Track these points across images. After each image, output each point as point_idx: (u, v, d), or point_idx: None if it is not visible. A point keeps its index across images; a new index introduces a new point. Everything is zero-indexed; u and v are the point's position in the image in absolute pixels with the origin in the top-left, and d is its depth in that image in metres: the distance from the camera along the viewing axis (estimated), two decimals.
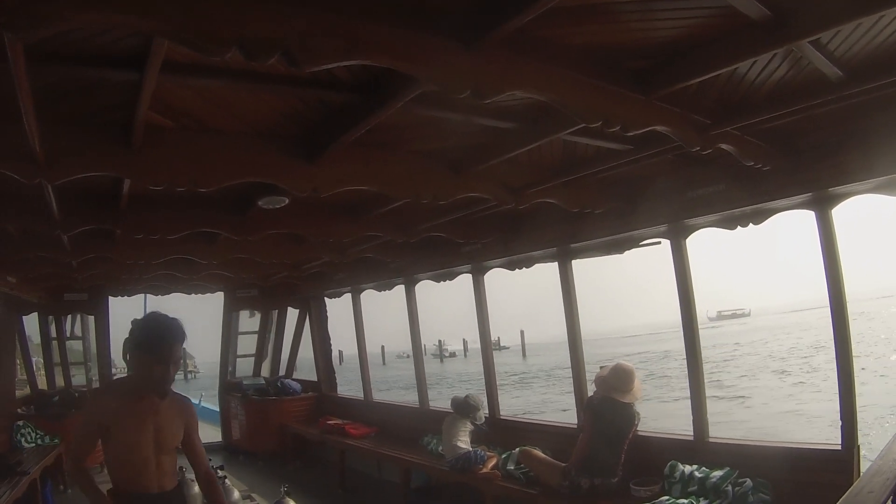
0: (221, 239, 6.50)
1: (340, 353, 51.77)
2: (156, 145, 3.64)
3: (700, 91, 3.44)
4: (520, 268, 7.37)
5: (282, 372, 12.64)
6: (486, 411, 7.30)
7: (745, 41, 2.87)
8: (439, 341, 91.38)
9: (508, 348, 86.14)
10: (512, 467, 6.34)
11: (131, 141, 3.49)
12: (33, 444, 8.94)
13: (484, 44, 2.61)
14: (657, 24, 2.93)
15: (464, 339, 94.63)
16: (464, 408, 7.06)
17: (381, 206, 5.71)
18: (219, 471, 6.37)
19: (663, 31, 2.97)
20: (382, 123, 3.62)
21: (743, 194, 4.71)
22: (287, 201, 4.96)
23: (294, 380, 12.02)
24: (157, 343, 3.31)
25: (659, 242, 5.71)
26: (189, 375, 61.17)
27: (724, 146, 3.79)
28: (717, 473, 4.84)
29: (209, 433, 13.40)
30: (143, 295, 13.28)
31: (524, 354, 74.44)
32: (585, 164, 4.69)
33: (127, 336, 3.42)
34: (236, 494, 5.93)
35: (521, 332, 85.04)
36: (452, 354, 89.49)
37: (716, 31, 2.92)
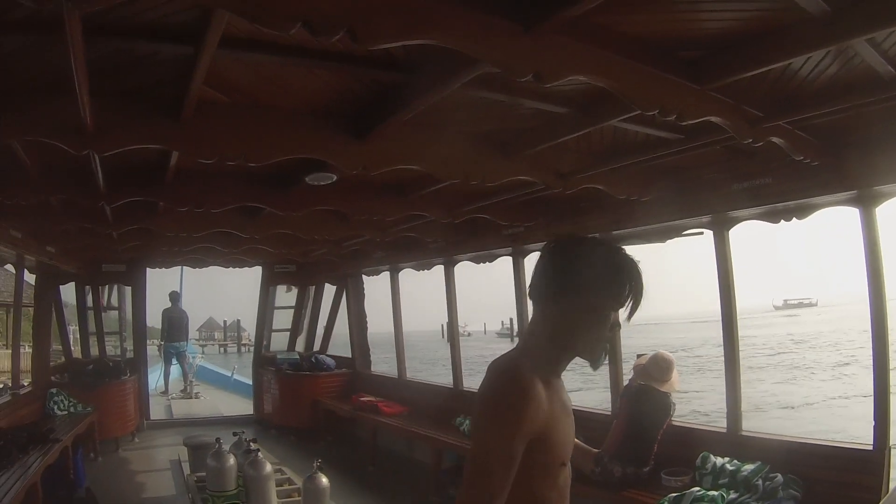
0: (265, 214, 6.46)
1: None
2: (206, 119, 3.60)
3: (752, 84, 3.32)
4: None
5: (316, 347, 12.66)
6: None
7: (803, 36, 2.79)
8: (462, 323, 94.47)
9: None
10: None
11: (181, 114, 3.43)
12: (66, 412, 9.04)
13: (543, 28, 2.55)
14: (712, 14, 2.86)
15: (484, 323, 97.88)
16: None
17: (426, 187, 5.65)
18: (251, 444, 6.41)
19: (718, 21, 2.90)
20: (434, 104, 3.52)
21: (789, 189, 4.60)
22: (335, 178, 4.90)
23: (328, 356, 12.01)
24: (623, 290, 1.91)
25: (701, 233, 5.62)
26: (243, 349, 62.05)
27: (774, 139, 3.71)
28: (749, 467, 4.76)
29: (241, 406, 13.56)
30: (179, 267, 13.45)
31: None
32: (634, 151, 4.59)
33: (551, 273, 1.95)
34: (269, 467, 5.90)
35: None
36: (469, 335, 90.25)
37: (772, 24, 2.83)
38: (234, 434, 6.79)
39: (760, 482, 4.62)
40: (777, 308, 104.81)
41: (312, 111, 3.90)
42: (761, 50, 2.92)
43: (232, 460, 5.99)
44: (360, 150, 3.99)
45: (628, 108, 3.41)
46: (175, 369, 15.68)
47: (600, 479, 5.32)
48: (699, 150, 4.43)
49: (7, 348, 24.46)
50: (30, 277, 9.42)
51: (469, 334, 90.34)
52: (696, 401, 21.99)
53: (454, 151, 4.42)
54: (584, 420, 6.42)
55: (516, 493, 1.76)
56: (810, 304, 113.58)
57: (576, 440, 4.67)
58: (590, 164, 4.81)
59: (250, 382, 13.74)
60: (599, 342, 1.92)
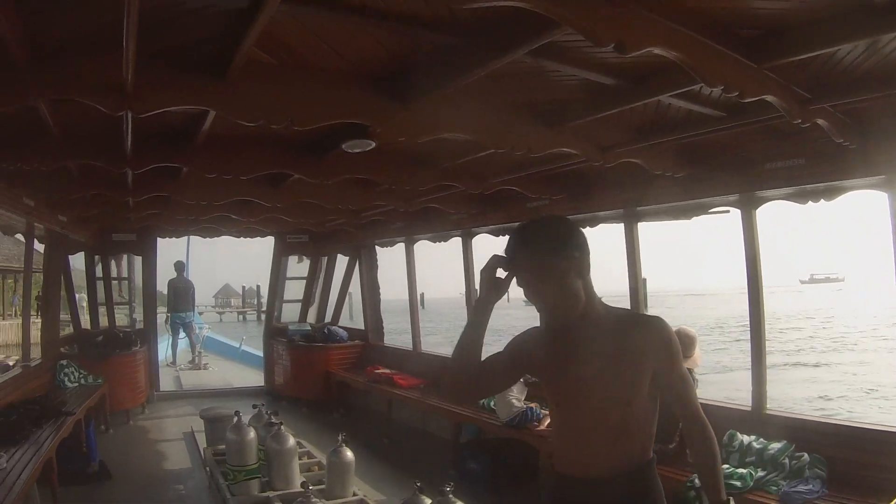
0: (288, 182, 6.34)
1: (422, 295, 52.63)
2: (252, 80, 3.42)
3: (800, 65, 3.32)
4: (583, 227, 7.06)
5: (327, 319, 12.56)
6: None
7: (865, 21, 2.78)
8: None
9: None
10: None
11: (227, 74, 3.26)
12: (76, 384, 8.93)
13: None
14: None
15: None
16: None
17: (458, 157, 5.55)
18: (272, 417, 6.31)
19: (780, 1, 2.84)
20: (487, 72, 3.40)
21: (821, 170, 4.63)
22: (373, 145, 4.74)
23: (340, 327, 11.90)
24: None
25: (727, 211, 5.60)
26: (262, 316, 61.26)
27: (819, 121, 3.74)
28: (776, 446, 4.78)
29: (251, 377, 13.47)
30: (186, 238, 13.28)
31: None
32: (674, 127, 4.57)
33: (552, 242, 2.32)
34: (291, 441, 5.81)
35: None
36: None
37: (834, 7, 2.81)
38: (254, 406, 6.70)
39: (787, 461, 4.67)
40: (803, 283, 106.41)
41: (361, 75, 3.73)
42: (821, 32, 2.91)
43: (252, 434, 5.90)
44: (406, 116, 3.86)
45: (679, 83, 3.46)
46: (182, 341, 15.59)
47: None
48: (738, 129, 4.43)
49: (4, 319, 24.39)
50: (38, 247, 9.23)
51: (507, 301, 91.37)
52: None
53: (500, 120, 4.31)
54: None
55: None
56: (837, 279, 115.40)
57: None
58: (631, 138, 4.77)
59: (259, 353, 13.65)
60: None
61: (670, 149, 5.11)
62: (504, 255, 2.34)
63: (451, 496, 3.99)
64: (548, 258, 2.25)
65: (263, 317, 14.63)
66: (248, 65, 3.26)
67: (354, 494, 5.52)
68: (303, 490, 4.41)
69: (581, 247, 2.30)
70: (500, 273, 2.36)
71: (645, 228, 6.52)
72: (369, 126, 4.16)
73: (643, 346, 2.28)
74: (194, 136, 4.61)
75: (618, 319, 2.35)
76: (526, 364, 2.47)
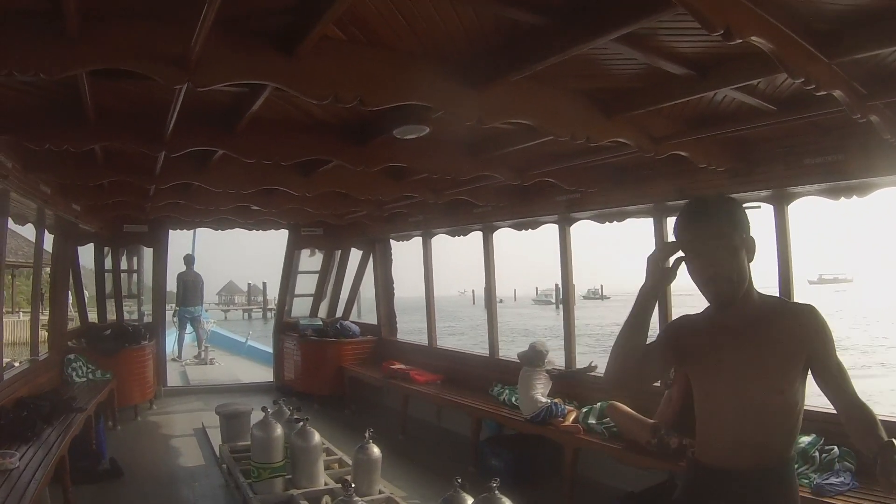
0: (320, 171, 6.20)
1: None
2: (321, 57, 3.25)
3: (859, 62, 3.33)
4: (609, 221, 7.17)
5: (339, 314, 12.42)
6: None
7: None
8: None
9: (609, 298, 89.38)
10: (593, 421, 6.22)
11: (296, 49, 3.09)
12: (84, 379, 8.76)
13: None
14: None
15: (514, 289, 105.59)
16: (533, 357, 6.90)
17: (496, 148, 5.48)
18: (296, 413, 6.15)
19: None
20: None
21: (858, 166, 4.63)
22: (427, 130, 4.61)
23: (353, 322, 11.74)
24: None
25: (759, 206, 5.55)
26: (269, 315, 61.27)
27: (873, 117, 3.72)
28: (806, 439, 4.76)
29: (258, 373, 13.30)
30: (192, 232, 13.06)
31: None
32: (725, 120, 4.55)
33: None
34: (317, 438, 5.70)
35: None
36: (500, 301, 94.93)
37: None
38: (275, 402, 6.56)
39: (817, 454, 4.66)
40: (812, 283, 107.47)
41: (433, 55, 3.59)
42: (885, 30, 2.93)
43: (280, 430, 5.76)
44: (477, 99, 3.74)
45: (743, 76, 3.50)
46: (188, 335, 15.42)
47: (657, 450, 5.30)
48: (785, 124, 4.43)
49: (14, 314, 24.16)
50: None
51: (501, 300, 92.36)
52: None
53: (562, 107, 4.22)
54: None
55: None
56: (845, 280, 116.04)
57: (630, 410, 5.64)
58: (682, 130, 4.73)
59: (265, 349, 13.46)
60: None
61: (717, 142, 5.07)
62: (673, 239, 2.35)
63: (497, 492, 3.85)
64: (728, 231, 2.24)
65: (270, 314, 14.48)
66: (319, 40, 3.10)
67: (380, 492, 5.40)
68: (342, 487, 4.26)
69: (749, 229, 2.31)
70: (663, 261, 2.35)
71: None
72: (430, 109, 4.01)
73: (798, 334, 2.25)
74: (236, 120, 4.44)
75: (771, 307, 2.33)
76: (681, 350, 2.42)
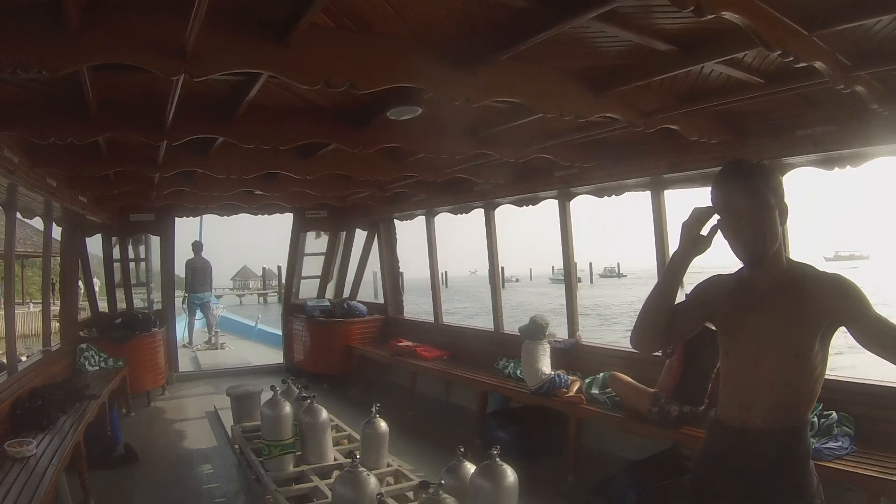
0: (320, 154, 6.29)
1: (444, 273, 51.91)
2: (313, 44, 3.35)
3: (843, 34, 3.37)
4: (608, 195, 7.18)
5: (346, 294, 12.55)
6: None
7: None
8: (501, 268, 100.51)
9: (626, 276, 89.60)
10: (596, 391, 6.35)
11: (288, 38, 3.20)
12: (97, 368, 8.89)
13: None
14: None
15: (529, 268, 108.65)
16: (535, 330, 6.99)
17: (493, 127, 5.55)
18: (304, 391, 6.29)
19: None
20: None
21: (851, 136, 4.67)
22: (420, 111, 4.70)
23: (360, 302, 11.85)
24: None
25: None
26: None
27: (858, 88, 3.80)
28: None
29: (268, 355, 13.45)
30: (198, 219, 13.12)
31: None
32: (714, 94, 4.58)
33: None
34: (324, 414, 5.81)
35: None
36: (517, 280, 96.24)
37: None
38: (283, 382, 6.69)
39: (816, 419, 4.73)
40: (828, 260, 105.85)
41: (421, 40, 3.69)
42: (866, 3, 2.99)
43: (288, 408, 5.88)
44: (465, 80, 3.83)
45: (727, 50, 3.57)
46: (199, 321, 15.54)
47: (657, 418, 5.39)
48: (774, 96, 4.45)
49: (24, 305, 24.24)
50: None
51: (517, 280, 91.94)
52: None
53: (550, 85, 4.29)
54: (637, 360, 6.46)
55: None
56: (861, 258, 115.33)
57: (631, 380, 5.73)
58: (672, 104, 4.76)
59: (275, 331, 13.56)
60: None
61: (707, 115, 5.12)
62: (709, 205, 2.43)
63: (497, 459, 3.96)
64: (763, 190, 2.33)
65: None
66: (310, 28, 3.21)
67: (388, 465, 5.52)
68: (350, 461, 4.37)
69: (784, 196, 2.40)
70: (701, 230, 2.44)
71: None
72: (422, 91, 4.12)
73: (820, 301, 2.28)
74: (234, 107, 4.54)
75: (799, 272, 2.39)
76: (709, 309, 2.51)
